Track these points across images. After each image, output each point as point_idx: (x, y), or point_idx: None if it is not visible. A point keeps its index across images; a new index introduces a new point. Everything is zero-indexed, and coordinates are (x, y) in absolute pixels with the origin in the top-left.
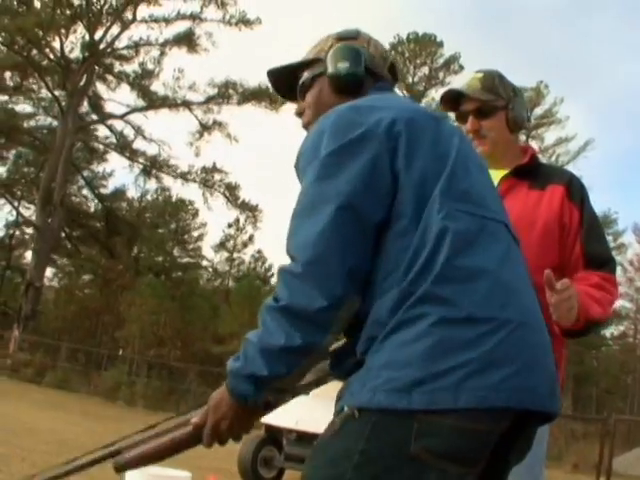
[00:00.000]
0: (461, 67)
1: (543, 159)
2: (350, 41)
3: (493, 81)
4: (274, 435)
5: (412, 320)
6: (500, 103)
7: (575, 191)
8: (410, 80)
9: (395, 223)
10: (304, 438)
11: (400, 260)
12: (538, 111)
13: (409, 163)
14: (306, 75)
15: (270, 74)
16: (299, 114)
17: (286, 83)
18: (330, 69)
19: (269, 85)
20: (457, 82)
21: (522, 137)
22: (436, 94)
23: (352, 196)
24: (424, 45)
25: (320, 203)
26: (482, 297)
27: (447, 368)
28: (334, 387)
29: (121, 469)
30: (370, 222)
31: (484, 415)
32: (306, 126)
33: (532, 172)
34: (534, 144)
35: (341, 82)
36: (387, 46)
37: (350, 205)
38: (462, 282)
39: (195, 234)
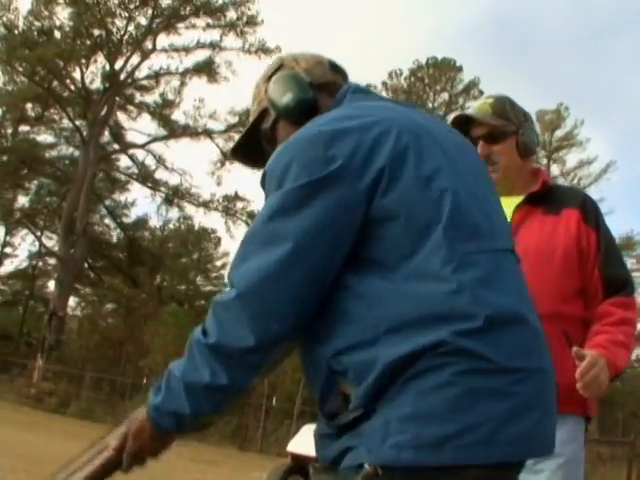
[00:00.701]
0: (481, 92)
1: (565, 182)
2: (278, 73)
3: (504, 106)
4: (300, 464)
5: (436, 368)
6: (511, 128)
7: (590, 214)
8: (430, 105)
9: (376, 264)
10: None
11: (403, 308)
12: (559, 133)
13: (391, 197)
14: (264, 129)
15: (234, 154)
16: None
17: (254, 154)
18: (278, 109)
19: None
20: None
21: (543, 160)
22: None
23: (312, 237)
24: (443, 70)
25: (276, 238)
26: (510, 346)
27: (478, 420)
28: None
29: None
30: (329, 267)
31: (513, 466)
32: None
33: (545, 197)
34: (555, 167)
35: (295, 113)
36: (406, 72)
37: (309, 247)
38: (487, 331)
39: (218, 263)
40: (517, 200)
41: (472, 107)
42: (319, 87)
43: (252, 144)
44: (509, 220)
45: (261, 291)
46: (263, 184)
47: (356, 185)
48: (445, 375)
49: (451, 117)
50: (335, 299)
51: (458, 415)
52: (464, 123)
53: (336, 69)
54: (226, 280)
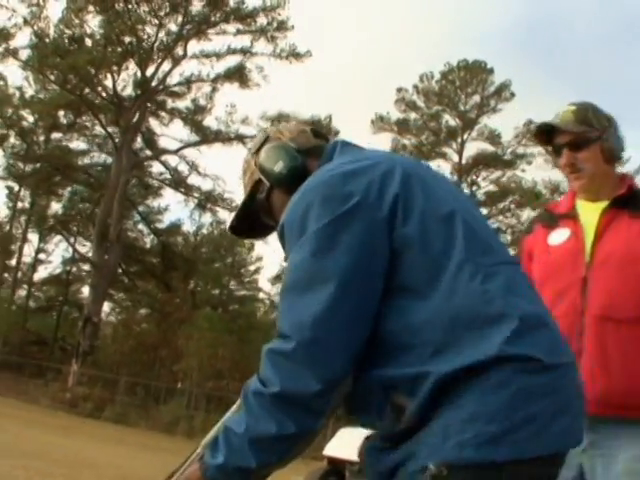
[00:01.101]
0: (512, 94)
1: None
2: (265, 146)
3: (586, 113)
4: (337, 467)
5: (489, 373)
6: (594, 134)
7: None
8: (462, 108)
9: (408, 290)
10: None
11: (444, 326)
12: None
13: (410, 224)
14: (259, 200)
15: (233, 230)
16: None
17: (255, 226)
18: (271, 179)
19: (321, 116)
20: (510, 108)
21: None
22: (488, 121)
23: (352, 272)
24: (475, 72)
25: (318, 280)
26: (546, 345)
27: (532, 416)
28: None
29: None
30: (372, 296)
31: (561, 457)
32: None
33: (631, 201)
34: None
35: (288, 179)
36: (437, 74)
37: (351, 282)
38: (525, 332)
39: (251, 267)
40: (602, 205)
41: (555, 115)
42: (306, 153)
43: (249, 217)
44: (595, 224)
45: (317, 335)
46: (282, 236)
47: (376, 214)
48: (498, 378)
49: (534, 126)
50: (377, 329)
51: (513, 412)
52: (547, 132)
53: (318, 135)
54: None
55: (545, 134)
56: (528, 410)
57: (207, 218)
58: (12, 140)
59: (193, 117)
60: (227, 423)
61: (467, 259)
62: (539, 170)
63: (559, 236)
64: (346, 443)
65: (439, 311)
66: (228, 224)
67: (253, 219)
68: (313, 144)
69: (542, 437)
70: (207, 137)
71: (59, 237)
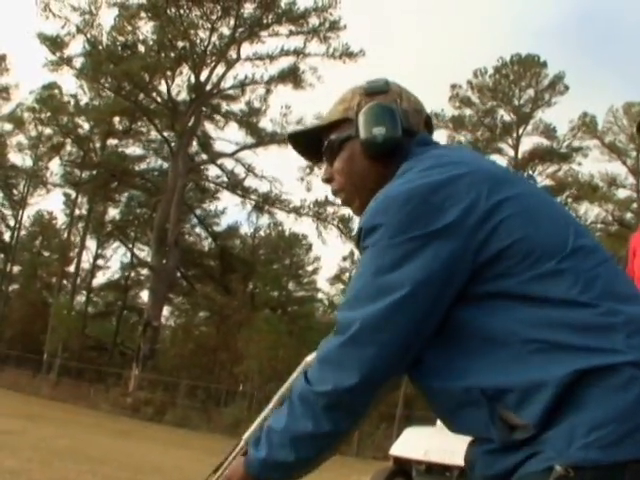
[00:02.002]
0: (566, 87)
1: None
2: (380, 96)
3: None
4: (403, 467)
5: (607, 380)
6: None
7: None
8: (516, 103)
9: (501, 297)
10: (433, 469)
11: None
12: None
13: (502, 236)
14: (333, 138)
15: (291, 137)
16: (327, 180)
17: (309, 146)
18: (363, 134)
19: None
20: (565, 101)
21: (633, 153)
22: (543, 115)
23: (422, 286)
24: (528, 66)
25: (387, 289)
26: None
27: None
28: None
29: None
30: (432, 316)
31: None
32: (336, 193)
33: None
34: None
35: (377, 149)
36: (491, 70)
37: (417, 296)
38: (630, 338)
39: (309, 268)
40: None
41: None
42: (407, 133)
43: (312, 139)
44: None
45: (368, 335)
46: (359, 240)
47: (472, 240)
48: (621, 380)
49: (637, 121)
50: (474, 337)
51: (634, 415)
52: None
53: (429, 126)
54: (335, 313)
55: None
56: None
57: (264, 220)
58: (68, 148)
59: (248, 119)
60: (270, 420)
61: (562, 268)
62: (595, 163)
63: None
64: (412, 443)
65: (540, 318)
66: (290, 132)
67: (313, 143)
68: (416, 130)
69: None
70: (262, 139)
71: (117, 243)
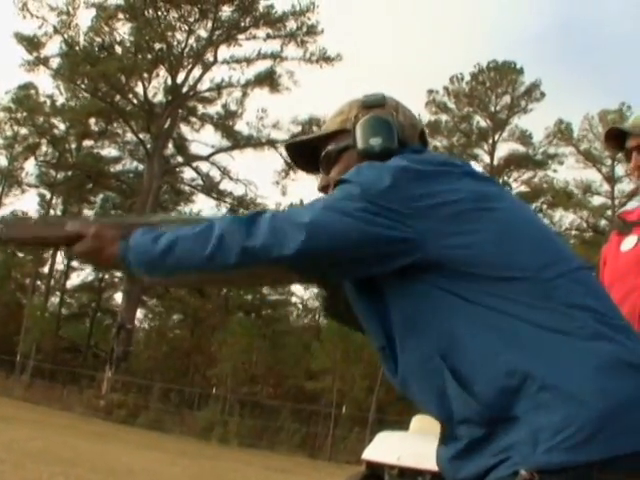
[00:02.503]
0: (543, 94)
1: (629, 183)
2: (377, 109)
3: None
4: (376, 471)
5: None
6: None
7: None
8: (492, 109)
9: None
10: (406, 473)
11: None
12: None
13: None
14: (330, 148)
15: (289, 148)
16: (323, 189)
17: (306, 156)
18: (360, 144)
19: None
20: (541, 108)
21: (607, 161)
22: (519, 122)
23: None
24: (504, 73)
25: (338, 212)
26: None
27: (621, 415)
28: (435, 423)
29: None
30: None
31: None
32: None
33: None
34: (620, 167)
35: (374, 159)
36: (467, 76)
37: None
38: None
39: None
40: None
41: (627, 121)
42: (402, 145)
43: (308, 149)
44: None
45: (313, 228)
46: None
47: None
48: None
49: (605, 130)
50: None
51: (603, 412)
52: (618, 136)
53: (423, 139)
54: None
55: (616, 139)
56: (619, 409)
57: None
58: (44, 148)
59: (224, 122)
60: (178, 230)
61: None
62: (571, 170)
63: (629, 243)
64: (385, 447)
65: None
66: (288, 141)
67: (309, 152)
68: (410, 143)
69: (636, 433)
70: (238, 142)
71: None
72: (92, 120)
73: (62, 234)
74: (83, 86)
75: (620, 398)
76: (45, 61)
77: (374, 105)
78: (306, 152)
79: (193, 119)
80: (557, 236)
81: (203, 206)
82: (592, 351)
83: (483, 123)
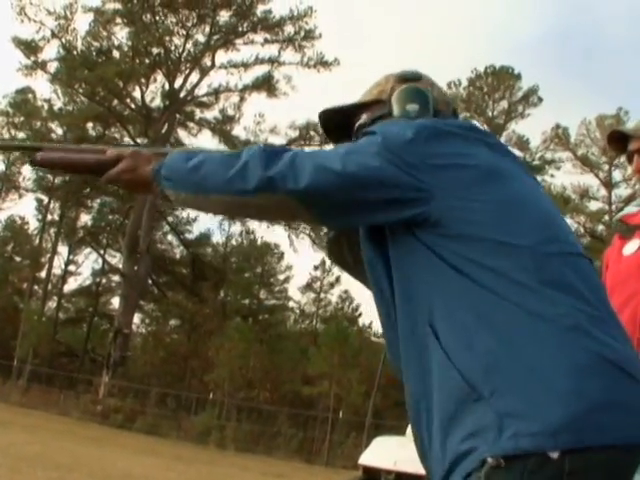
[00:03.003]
0: (540, 99)
1: (627, 188)
2: (413, 83)
3: None
4: (372, 476)
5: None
6: None
7: None
8: (490, 114)
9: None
10: (402, 478)
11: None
12: None
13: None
14: (365, 117)
15: (323, 114)
16: None
17: (339, 124)
18: (397, 111)
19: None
20: (538, 114)
21: (605, 166)
22: (516, 127)
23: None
24: (502, 78)
25: (357, 163)
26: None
27: (592, 406)
28: None
29: (35, 164)
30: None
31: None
32: None
33: None
34: (618, 172)
35: None
36: (465, 81)
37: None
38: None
39: (281, 277)
40: None
41: (630, 123)
42: (435, 116)
43: (344, 119)
44: None
45: (323, 167)
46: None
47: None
48: (567, 364)
49: (608, 133)
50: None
51: (578, 399)
52: (620, 139)
53: (456, 115)
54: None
55: (619, 141)
56: (591, 400)
57: (236, 228)
58: None
59: (221, 127)
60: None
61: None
62: (568, 175)
63: (632, 246)
64: (382, 452)
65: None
66: (326, 108)
67: (343, 122)
68: (444, 116)
69: (610, 425)
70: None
71: (89, 249)
72: (90, 124)
73: (102, 158)
74: (81, 90)
75: (592, 397)
76: (43, 65)
77: (410, 78)
78: (340, 122)
79: (190, 124)
80: (565, 222)
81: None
82: (569, 344)
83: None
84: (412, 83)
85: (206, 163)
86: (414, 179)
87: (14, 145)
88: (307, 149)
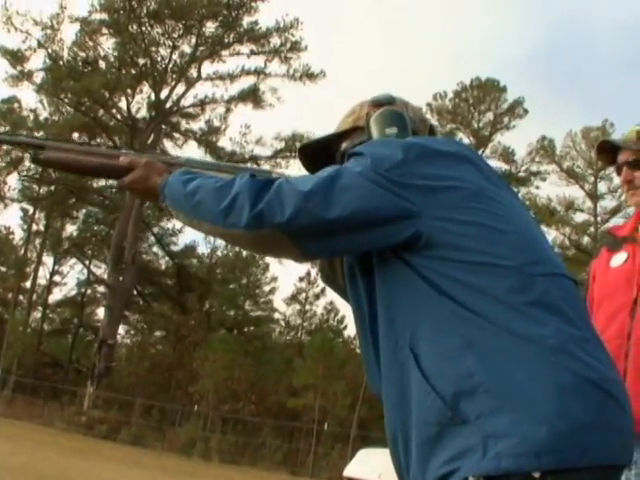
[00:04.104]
0: (526, 111)
1: (613, 200)
2: (388, 106)
3: None
4: None
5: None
6: None
7: None
8: (475, 126)
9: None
10: None
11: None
12: None
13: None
14: (345, 146)
15: (302, 150)
16: None
17: (318, 159)
18: (377, 135)
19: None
20: (524, 125)
21: (590, 178)
22: (502, 138)
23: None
24: (488, 90)
25: (338, 188)
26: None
27: (575, 427)
28: None
29: (38, 163)
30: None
31: (613, 471)
32: None
33: None
34: (603, 184)
35: None
36: (451, 94)
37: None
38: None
39: (266, 288)
40: None
41: (620, 135)
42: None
43: (322, 151)
44: None
45: (313, 197)
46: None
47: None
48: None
49: (597, 143)
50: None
51: (559, 421)
52: (610, 150)
53: (432, 134)
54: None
55: (608, 152)
56: (573, 421)
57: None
58: (27, 163)
59: (207, 138)
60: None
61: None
62: (554, 186)
63: (619, 259)
64: (366, 464)
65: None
66: (302, 143)
67: (323, 153)
68: (422, 134)
69: (592, 447)
70: (221, 158)
71: (74, 259)
72: (75, 135)
73: (116, 165)
74: (66, 101)
75: (575, 418)
76: (29, 75)
77: (384, 102)
78: (319, 154)
79: (176, 135)
80: (548, 243)
81: None
82: (553, 365)
83: (466, 140)
84: (387, 107)
85: (200, 190)
86: (404, 200)
87: (15, 140)
88: (295, 176)
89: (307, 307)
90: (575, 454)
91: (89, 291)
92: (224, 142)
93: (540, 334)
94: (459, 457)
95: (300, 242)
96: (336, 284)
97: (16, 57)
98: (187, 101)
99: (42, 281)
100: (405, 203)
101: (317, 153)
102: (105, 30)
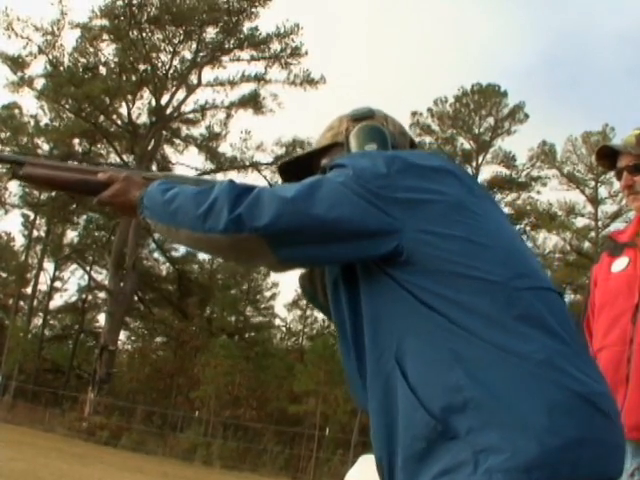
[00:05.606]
0: (526, 116)
1: (613, 204)
2: (367, 120)
3: None
4: None
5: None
6: None
7: None
8: (476, 131)
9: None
10: None
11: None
12: None
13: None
14: (325, 162)
15: (281, 169)
16: None
17: (299, 176)
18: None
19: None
20: (524, 130)
21: (591, 183)
22: (502, 143)
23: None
24: (488, 95)
25: (317, 199)
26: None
27: (565, 442)
28: None
29: (18, 178)
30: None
31: None
32: None
33: None
34: (603, 189)
35: None
36: (451, 99)
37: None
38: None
39: (267, 294)
40: None
41: (620, 139)
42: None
43: (301, 169)
44: None
45: (292, 205)
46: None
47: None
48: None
49: (596, 149)
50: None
51: (550, 436)
52: (610, 155)
53: (413, 148)
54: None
55: (608, 157)
56: (565, 435)
57: None
58: None
59: (208, 144)
60: (182, 188)
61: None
62: (554, 192)
63: (620, 264)
64: (368, 470)
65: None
66: (281, 161)
67: (302, 171)
68: (403, 148)
69: (582, 462)
70: (222, 164)
71: (75, 265)
72: (76, 141)
73: (95, 180)
74: (67, 106)
75: (565, 433)
76: (29, 81)
77: (363, 117)
78: (299, 171)
79: (177, 140)
80: (533, 256)
81: None
82: (542, 380)
83: (467, 145)
84: (366, 121)
85: (179, 197)
86: (385, 215)
87: None
88: (276, 185)
89: (308, 313)
90: (566, 469)
91: (90, 297)
92: (225, 148)
93: (528, 349)
94: (449, 472)
95: (278, 248)
96: (317, 301)
97: (17, 63)
98: (188, 107)
99: (43, 287)
100: (386, 217)
101: (297, 170)
102: (106, 36)
